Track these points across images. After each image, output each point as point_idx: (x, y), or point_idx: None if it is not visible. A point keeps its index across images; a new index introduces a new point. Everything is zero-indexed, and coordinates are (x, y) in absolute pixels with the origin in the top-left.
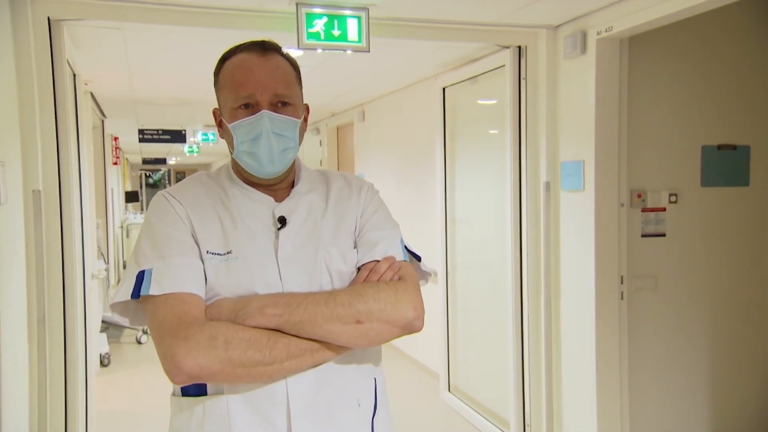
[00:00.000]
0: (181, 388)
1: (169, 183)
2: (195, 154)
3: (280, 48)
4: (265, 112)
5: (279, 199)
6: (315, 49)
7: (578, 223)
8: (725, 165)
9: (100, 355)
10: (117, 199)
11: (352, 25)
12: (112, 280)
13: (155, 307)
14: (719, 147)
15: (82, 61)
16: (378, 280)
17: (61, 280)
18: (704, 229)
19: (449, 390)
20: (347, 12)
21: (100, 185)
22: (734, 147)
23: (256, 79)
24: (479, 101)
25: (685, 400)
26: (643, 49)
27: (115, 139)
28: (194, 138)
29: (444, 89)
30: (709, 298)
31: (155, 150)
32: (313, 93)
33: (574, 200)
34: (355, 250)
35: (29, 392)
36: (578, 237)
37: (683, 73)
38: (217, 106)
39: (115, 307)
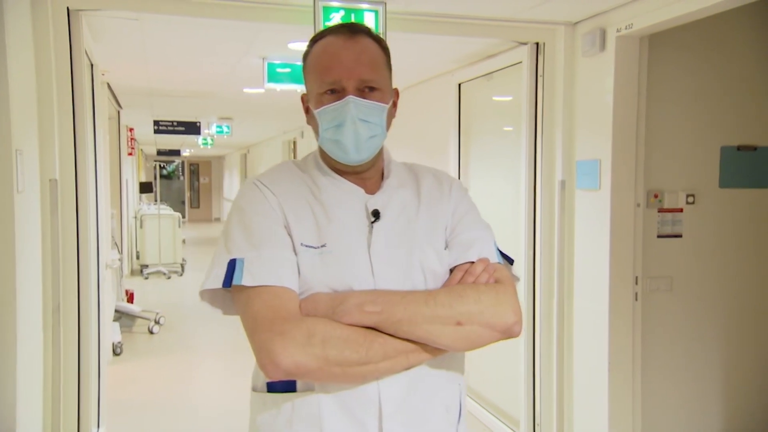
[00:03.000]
0: (267, 383)
1: (183, 174)
2: (209, 147)
3: (369, 30)
4: (351, 98)
5: (369, 189)
6: None
7: (593, 223)
8: (745, 166)
9: (113, 344)
10: (131, 189)
11: (369, 19)
12: (126, 270)
13: (248, 298)
14: (739, 148)
15: (100, 51)
16: (473, 282)
17: (75, 269)
18: (722, 231)
19: None
20: (365, 6)
21: (114, 176)
22: (754, 148)
23: (342, 64)
24: (495, 98)
25: (698, 404)
26: (662, 48)
27: (131, 129)
28: (208, 130)
29: (459, 85)
30: (725, 300)
31: (169, 141)
32: None
33: (589, 199)
34: (447, 250)
35: (43, 379)
36: (593, 237)
37: (703, 73)
38: (305, 92)
39: (203, 294)
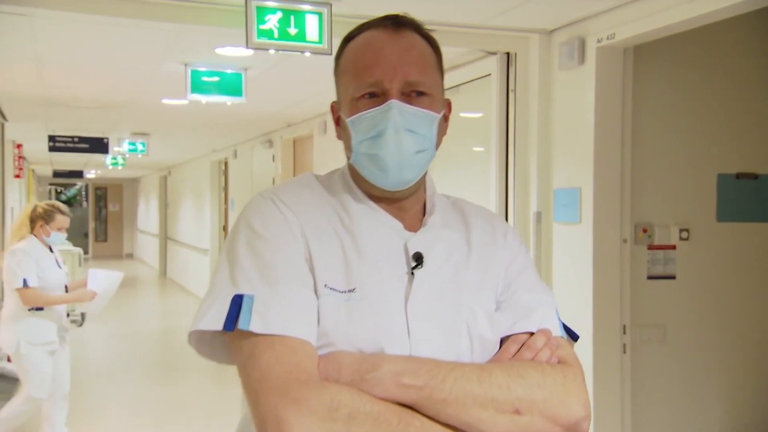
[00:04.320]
0: None
1: (86, 200)
2: (119, 167)
3: (418, 24)
4: (394, 102)
5: (408, 225)
6: (267, 49)
7: (574, 262)
8: (744, 197)
9: None
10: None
11: (311, 23)
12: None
13: (255, 349)
14: (738, 176)
15: None
16: (532, 359)
17: None
18: (720, 270)
19: None
20: (306, 7)
21: None
22: (755, 176)
23: (386, 62)
24: (461, 114)
25: None
26: (650, 61)
27: (19, 146)
28: (119, 147)
29: None
30: (725, 352)
31: (70, 161)
32: (265, 99)
33: (569, 234)
34: (498, 313)
35: None
36: (573, 278)
37: (697, 90)
38: (336, 99)
39: (191, 336)
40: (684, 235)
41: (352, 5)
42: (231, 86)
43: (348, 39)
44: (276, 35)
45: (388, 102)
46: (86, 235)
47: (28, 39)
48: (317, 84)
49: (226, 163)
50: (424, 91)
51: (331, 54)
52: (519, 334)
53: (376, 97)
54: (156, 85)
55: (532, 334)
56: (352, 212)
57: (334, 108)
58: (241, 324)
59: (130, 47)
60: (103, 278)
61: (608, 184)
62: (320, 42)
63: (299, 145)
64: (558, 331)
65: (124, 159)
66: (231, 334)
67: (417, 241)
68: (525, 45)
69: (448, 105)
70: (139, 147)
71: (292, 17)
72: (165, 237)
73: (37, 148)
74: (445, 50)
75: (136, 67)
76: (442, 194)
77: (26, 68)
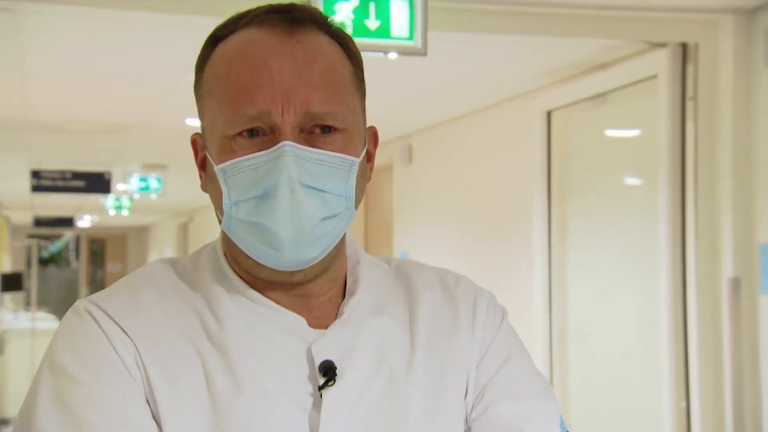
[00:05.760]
0: None
1: (77, 258)
2: (125, 212)
3: (322, 18)
4: (289, 146)
5: (316, 320)
6: None
7: None
8: None
9: None
10: None
11: (398, 13)
12: None
13: None
14: None
15: None
16: None
17: None
18: None
19: None
20: None
21: None
22: None
23: (274, 82)
24: (608, 133)
25: None
26: None
27: None
28: (126, 185)
29: (549, 114)
30: None
31: (57, 204)
32: None
33: None
34: None
35: None
36: None
37: None
38: (199, 131)
39: None
40: None
41: None
42: None
43: (215, 40)
44: (350, 30)
45: (279, 145)
46: None
47: (11, 41)
48: (402, 94)
49: None
50: (335, 126)
51: (425, 54)
52: None
53: (261, 135)
54: (178, 101)
55: None
56: (222, 314)
57: (197, 143)
58: None
59: (145, 51)
60: None
61: None
62: (410, 38)
63: (375, 178)
64: None
65: (131, 201)
66: None
67: (326, 344)
68: (711, 32)
69: (373, 135)
70: (153, 184)
71: (372, 5)
72: None
73: (14, 188)
74: (584, 43)
75: (152, 77)
76: (380, 259)
77: (6, 80)
